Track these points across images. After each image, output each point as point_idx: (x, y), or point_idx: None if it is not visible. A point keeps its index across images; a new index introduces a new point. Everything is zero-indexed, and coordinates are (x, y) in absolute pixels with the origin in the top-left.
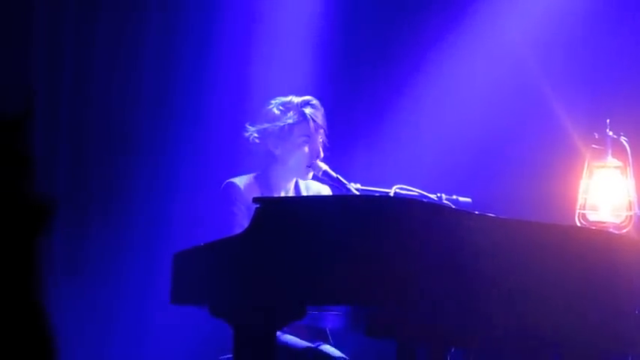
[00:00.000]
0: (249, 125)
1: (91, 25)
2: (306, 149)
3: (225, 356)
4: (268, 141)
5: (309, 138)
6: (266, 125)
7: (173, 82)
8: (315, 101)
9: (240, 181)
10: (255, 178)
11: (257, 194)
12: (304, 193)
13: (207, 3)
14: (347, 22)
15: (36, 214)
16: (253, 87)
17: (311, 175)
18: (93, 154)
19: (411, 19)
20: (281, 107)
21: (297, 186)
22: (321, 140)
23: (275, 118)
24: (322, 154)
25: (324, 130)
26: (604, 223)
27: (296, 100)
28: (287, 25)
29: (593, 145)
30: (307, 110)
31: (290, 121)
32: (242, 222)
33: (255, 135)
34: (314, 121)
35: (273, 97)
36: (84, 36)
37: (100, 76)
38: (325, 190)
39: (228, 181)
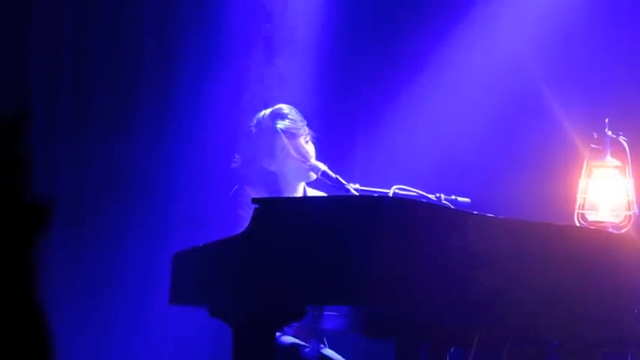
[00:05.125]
0: (237, 154)
1: (90, 23)
2: (293, 158)
3: None
4: (260, 161)
5: (289, 148)
6: (249, 151)
7: (173, 81)
8: (285, 109)
9: (249, 186)
10: (264, 183)
11: None
12: None
13: (208, 4)
14: (346, 23)
15: (33, 214)
16: (254, 87)
17: (314, 175)
18: (91, 154)
19: (410, 20)
20: (255, 128)
21: (304, 193)
22: (305, 141)
23: (254, 141)
24: (312, 153)
25: (305, 130)
26: (603, 222)
27: (266, 114)
28: (287, 26)
29: (592, 145)
30: (278, 125)
31: (266, 140)
32: None
33: (242, 163)
34: (286, 131)
35: (273, 97)
36: (82, 35)
37: (99, 76)
38: None
39: (237, 186)
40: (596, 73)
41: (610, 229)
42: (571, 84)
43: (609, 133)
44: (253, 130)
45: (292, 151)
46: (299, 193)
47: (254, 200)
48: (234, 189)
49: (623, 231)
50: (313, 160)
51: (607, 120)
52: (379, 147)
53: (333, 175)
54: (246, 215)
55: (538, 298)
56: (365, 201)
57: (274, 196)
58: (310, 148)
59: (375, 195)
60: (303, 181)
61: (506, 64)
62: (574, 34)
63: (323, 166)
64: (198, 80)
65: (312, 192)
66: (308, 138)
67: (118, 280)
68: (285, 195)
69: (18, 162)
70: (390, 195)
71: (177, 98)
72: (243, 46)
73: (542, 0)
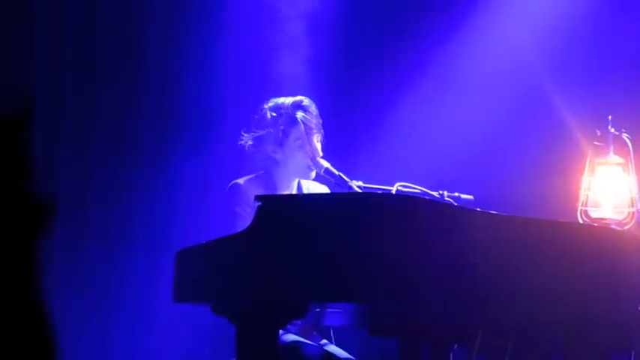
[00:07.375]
0: (245, 133)
1: (93, 23)
2: (304, 151)
3: None
4: (266, 147)
5: (304, 141)
6: (260, 132)
7: (176, 81)
8: (306, 101)
9: (244, 182)
10: (259, 178)
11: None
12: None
13: (210, 3)
14: (348, 20)
15: (36, 213)
16: (256, 85)
17: (314, 174)
18: (94, 153)
19: (413, 17)
20: (273, 113)
21: (299, 186)
22: (317, 139)
23: (268, 124)
24: (321, 153)
25: (320, 128)
26: (606, 219)
27: (287, 102)
28: (289, 24)
29: (595, 142)
30: (299, 114)
31: (282, 126)
32: (245, 223)
33: (251, 143)
34: (305, 124)
35: (275, 96)
36: (85, 35)
37: (103, 76)
38: (326, 191)
39: (232, 182)
40: (599, 71)
41: (613, 226)
42: (574, 81)
43: (612, 130)
44: (269, 114)
45: (306, 144)
46: (294, 188)
47: (257, 197)
48: (230, 185)
49: (626, 228)
50: (318, 159)
51: (610, 117)
52: (382, 144)
53: (337, 172)
54: (241, 211)
55: (541, 296)
56: (368, 198)
57: (269, 188)
58: (319, 148)
59: (379, 192)
60: (302, 177)
61: (509, 62)
62: (577, 32)
63: (326, 164)
64: (202, 80)
65: (307, 184)
66: (319, 138)
67: (121, 279)
68: (280, 188)
69: (21, 161)
70: (393, 192)
71: (180, 97)
72: (245, 45)
73: None
